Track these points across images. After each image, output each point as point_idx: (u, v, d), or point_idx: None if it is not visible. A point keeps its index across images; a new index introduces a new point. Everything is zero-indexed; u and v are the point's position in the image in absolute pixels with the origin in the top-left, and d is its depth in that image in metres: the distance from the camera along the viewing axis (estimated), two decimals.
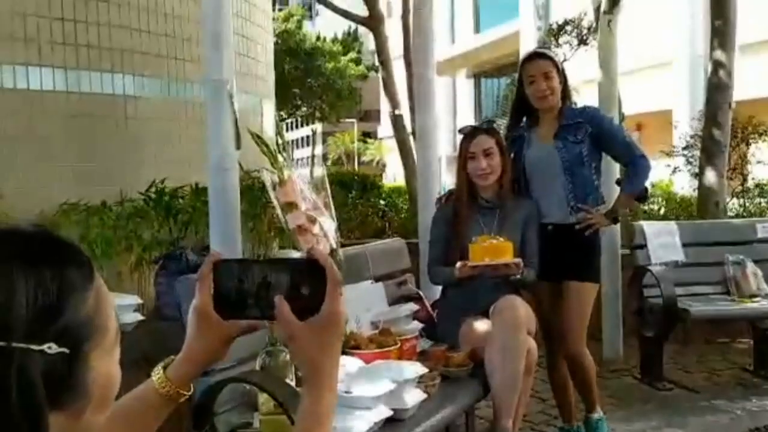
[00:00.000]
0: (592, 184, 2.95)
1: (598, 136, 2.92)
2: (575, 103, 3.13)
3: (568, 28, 7.83)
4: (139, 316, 2.85)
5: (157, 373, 0.93)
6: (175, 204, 3.51)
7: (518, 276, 2.72)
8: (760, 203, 6.84)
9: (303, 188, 2.65)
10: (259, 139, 2.76)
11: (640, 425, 3.38)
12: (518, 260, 2.68)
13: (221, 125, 2.86)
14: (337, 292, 0.84)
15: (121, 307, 2.82)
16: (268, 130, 3.79)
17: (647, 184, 3.03)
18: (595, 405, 3.06)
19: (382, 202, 8.41)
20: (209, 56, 2.87)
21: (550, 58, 2.97)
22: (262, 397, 2.00)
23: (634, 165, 2.96)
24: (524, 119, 3.09)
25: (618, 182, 3.15)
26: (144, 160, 3.86)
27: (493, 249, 2.70)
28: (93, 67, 3.67)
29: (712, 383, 4.05)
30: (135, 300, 2.88)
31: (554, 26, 7.57)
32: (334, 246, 2.67)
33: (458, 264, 2.74)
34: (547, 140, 2.96)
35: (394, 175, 18.86)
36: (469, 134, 2.93)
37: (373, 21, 8.39)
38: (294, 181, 2.62)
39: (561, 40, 7.01)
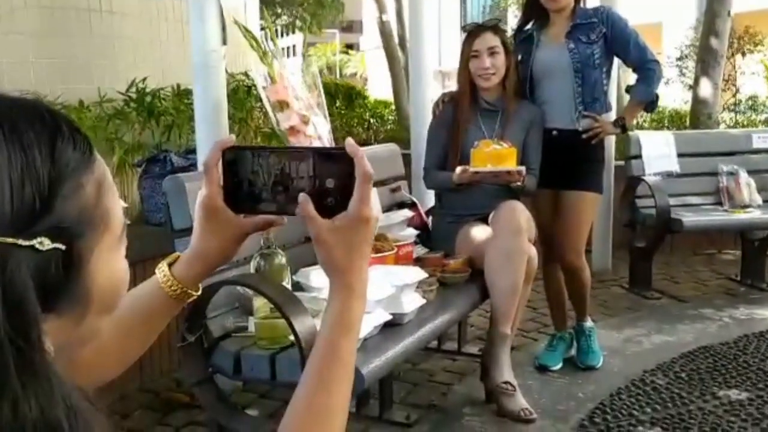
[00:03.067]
0: (601, 88, 2.82)
1: (611, 38, 2.78)
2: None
3: None
4: (125, 220, 2.73)
5: (162, 270, 0.83)
6: (158, 105, 3.33)
7: (519, 184, 2.64)
8: (751, 116, 6.77)
9: (295, 86, 2.51)
10: (248, 33, 2.58)
11: (629, 332, 3.40)
12: (522, 168, 2.59)
13: (205, 19, 2.65)
14: (368, 187, 0.73)
15: None
16: (254, 31, 3.56)
17: (657, 91, 2.91)
18: (586, 314, 3.05)
19: (367, 113, 8.22)
20: None
21: None
22: (258, 301, 1.93)
23: (646, 70, 2.83)
24: (533, 21, 2.92)
25: (627, 89, 3.01)
26: (124, 58, 3.63)
27: (496, 155, 2.60)
28: None
29: (700, 293, 4.09)
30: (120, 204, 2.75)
31: None
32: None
33: (458, 169, 2.64)
34: (558, 41, 2.80)
35: (377, 87, 18.50)
36: (474, 32, 2.76)
37: None
38: (286, 78, 2.47)
39: None
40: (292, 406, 0.74)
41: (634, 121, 6.07)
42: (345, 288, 0.75)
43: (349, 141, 0.74)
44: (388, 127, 8.12)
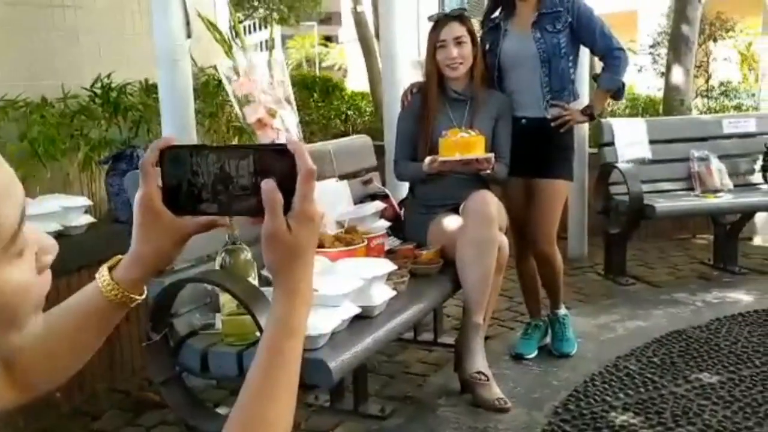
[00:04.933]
0: (568, 77, 2.82)
1: (578, 26, 2.77)
2: None
3: None
4: (89, 218, 2.69)
5: (102, 275, 0.79)
6: (124, 101, 3.27)
7: (489, 172, 2.63)
8: (723, 102, 6.83)
9: (261, 79, 2.47)
10: (211, 25, 2.54)
11: (604, 319, 3.42)
12: (490, 155, 2.58)
13: (169, 12, 2.61)
14: (311, 185, 0.70)
15: (69, 209, 2.65)
16: (223, 26, 3.51)
17: (624, 79, 2.91)
18: (560, 301, 3.06)
19: (344, 105, 8.17)
20: None
21: None
22: (224, 298, 1.91)
23: (612, 58, 2.83)
24: (500, 9, 2.90)
25: (594, 77, 3.02)
26: (89, 53, 3.56)
27: (464, 143, 2.58)
28: None
29: (674, 278, 4.12)
30: (84, 201, 2.71)
31: None
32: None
33: (427, 159, 2.63)
34: (524, 30, 2.79)
35: (356, 79, 18.41)
36: (440, 21, 2.74)
37: None
38: (252, 71, 2.44)
39: None
40: (233, 414, 0.70)
41: (609, 109, 6.10)
42: (290, 290, 0.72)
43: (289, 137, 0.72)
44: (366, 118, 8.08)
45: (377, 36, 8.20)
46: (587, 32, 2.79)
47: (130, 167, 2.76)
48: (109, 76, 3.34)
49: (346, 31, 26.76)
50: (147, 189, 0.76)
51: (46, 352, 0.75)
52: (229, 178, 0.73)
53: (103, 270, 0.80)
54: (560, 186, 2.89)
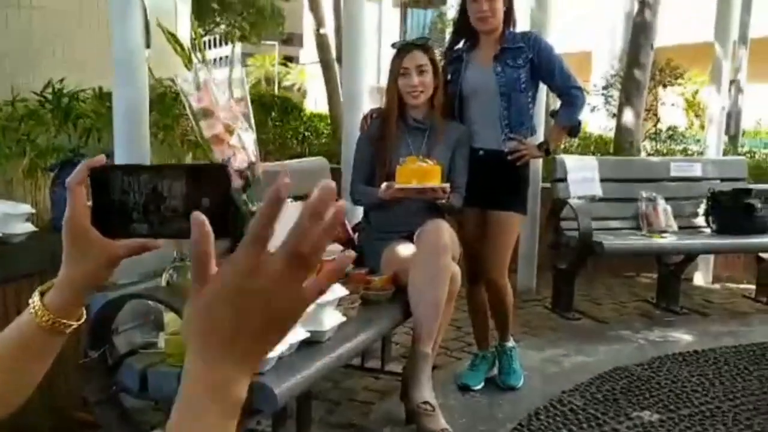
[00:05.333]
0: (527, 111, 2.86)
1: (538, 63, 2.82)
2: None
3: None
4: (31, 227, 2.58)
5: (33, 301, 0.75)
6: (76, 107, 3.18)
7: (444, 201, 2.64)
8: (670, 145, 7.06)
9: (220, 95, 2.43)
10: (171, 36, 2.50)
11: (550, 352, 3.45)
12: (446, 185, 2.59)
13: (127, 19, 2.55)
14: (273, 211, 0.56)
15: (10, 216, 2.54)
16: (184, 38, 3.46)
17: (581, 117, 2.97)
18: (508, 333, 3.07)
19: (302, 126, 8.14)
20: None
21: None
22: (168, 316, 1.85)
23: (570, 96, 2.89)
24: (464, 41, 2.94)
25: (552, 114, 3.08)
26: (42, 56, 3.45)
27: (421, 172, 2.59)
28: None
29: (619, 314, 4.20)
30: (26, 209, 2.60)
31: None
32: (253, 159, 2.49)
33: (383, 185, 2.62)
34: (485, 63, 2.83)
35: (315, 101, 18.43)
36: (403, 49, 2.76)
37: None
38: (211, 86, 2.39)
39: None
40: None
41: (562, 145, 6.23)
42: (227, 369, 0.52)
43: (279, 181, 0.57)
44: (323, 140, 8.07)
45: (338, 59, 8.24)
46: (547, 69, 2.85)
47: None
48: (61, 81, 3.24)
49: (307, 53, 26.82)
50: (73, 209, 0.73)
51: None
52: (160, 198, 0.70)
53: (35, 296, 0.76)
54: (514, 218, 2.92)
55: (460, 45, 2.96)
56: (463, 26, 2.90)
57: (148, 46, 2.59)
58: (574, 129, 2.99)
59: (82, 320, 0.77)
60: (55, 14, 3.59)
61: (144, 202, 0.71)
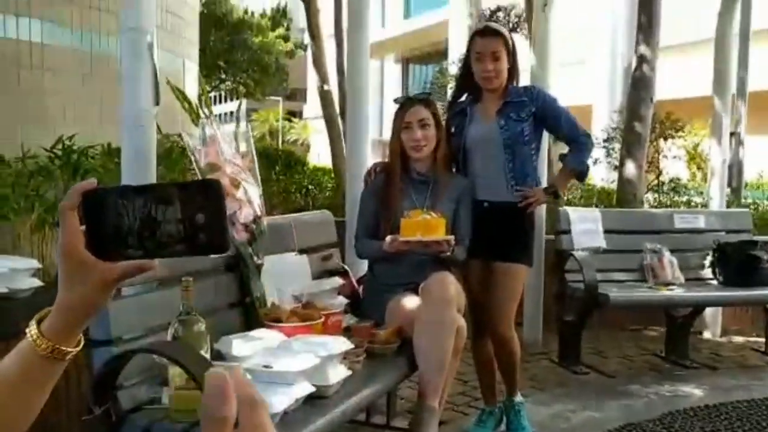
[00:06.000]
0: (531, 164, 2.90)
1: (542, 115, 2.87)
2: None
3: (500, 15, 7.86)
4: (37, 282, 2.60)
5: (31, 329, 0.75)
6: (84, 163, 3.23)
7: (449, 254, 2.64)
8: (673, 197, 7.08)
9: (226, 149, 2.47)
10: (180, 93, 2.56)
11: (558, 408, 3.39)
12: (451, 237, 2.60)
13: (138, 77, 2.61)
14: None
15: (16, 271, 2.56)
16: (192, 95, 3.53)
17: (589, 162, 3.02)
18: (516, 387, 3.03)
19: (306, 179, 8.22)
20: (125, 1, 2.61)
21: (502, 36, 2.83)
22: (173, 371, 1.83)
23: (579, 143, 2.93)
24: (466, 95, 3.00)
25: (561, 157, 3.09)
26: (53, 115, 3.53)
27: (425, 225, 2.60)
28: None
29: (627, 368, 4.14)
30: (33, 264, 2.62)
31: (486, 12, 7.58)
32: (259, 213, 2.52)
33: (388, 238, 2.64)
34: (489, 117, 2.88)
35: (318, 155, 18.63)
36: (406, 103, 2.82)
37: None
38: (218, 141, 2.44)
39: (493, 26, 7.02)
40: None
41: (565, 198, 6.27)
42: None
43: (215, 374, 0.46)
44: (327, 194, 8.13)
45: (341, 113, 8.37)
46: (553, 120, 2.90)
47: None
48: (71, 138, 3.30)
49: (311, 108, 27.26)
50: (67, 234, 0.73)
51: None
52: (155, 223, 0.70)
53: (32, 324, 0.76)
54: (521, 270, 2.91)
55: (463, 98, 3.01)
56: (467, 82, 2.95)
57: (157, 103, 2.64)
58: (582, 173, 3.02)
59: (80, 347, 0.77)
60: (66, 74, 3.69)
61: (138, 228, 0.71)
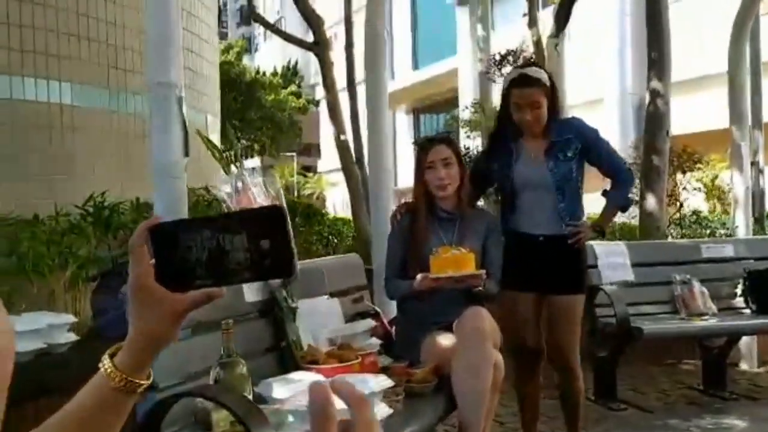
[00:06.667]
0: (579, 198, 2.94)
1: (587, 148, 2.89)
2: None
3: (510, 59, 7.99)
4: (73, 336, 2.62)
5: (104, 363, 0.78)
6: (116, 219, 3.29)
7: (480, 288, 2.64)
8: (697, 230, 7.02)
9: (258, 195, 2.52)
10: (211, 144, 2.62)
11: None
12: (482, 272, 2.61)
13: (168, 130, 2.68)
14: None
15: (54, 326, 2.59)
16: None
17: (631, 194, 3.05)
18: (578, 429, 3.00)
19: (326, 229, 8.27)
20: (153, 57, 2.69)
21: (540, 83, 2.79)
22: (217, 415, 1.83)
23: (621, 176, 2.96)
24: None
25: (604, 193, 3.09)
26: (83, 172, 3.62)
27: (455, 260, 2.61)
28: (26, 72, 3.45)
29: (664, 403, 4.05)
30: (69, 318, 2.65)
31: (496, 57, 7.72)
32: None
33: (419, 276, 2.64)
34: (537, 158, 2.88)
35: (333, 206, 18.77)
36: (427, 144, 2.86)
37: (320, 47, 8.34)
38: (249, 188, 2.49)
39: (504, 70, 7.15)
40: None
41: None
42: None
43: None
44: (347, 243, 8.16)
45: (358, 162, 8.46)
46: (596, 154, 2.92)
47: (122, 284, 2.73)
48: (102, 194, 3.38)
49: (325, 162, 27.55)
50: (138, 269, 0.76)
51: None
52: (224, 253, 0.74)
53: (105, 358, 0.79)
54: (579, 300, 2.94)
55: (504, 134, 2.95)
56: (506, 118, 2.90)
57: (186, 154, 2.70)
58: (626, 207, 3.06)
59: (151, 379, 0.80)
60: (95, 132, 3.79)
61: (207, 258, 0.74)
